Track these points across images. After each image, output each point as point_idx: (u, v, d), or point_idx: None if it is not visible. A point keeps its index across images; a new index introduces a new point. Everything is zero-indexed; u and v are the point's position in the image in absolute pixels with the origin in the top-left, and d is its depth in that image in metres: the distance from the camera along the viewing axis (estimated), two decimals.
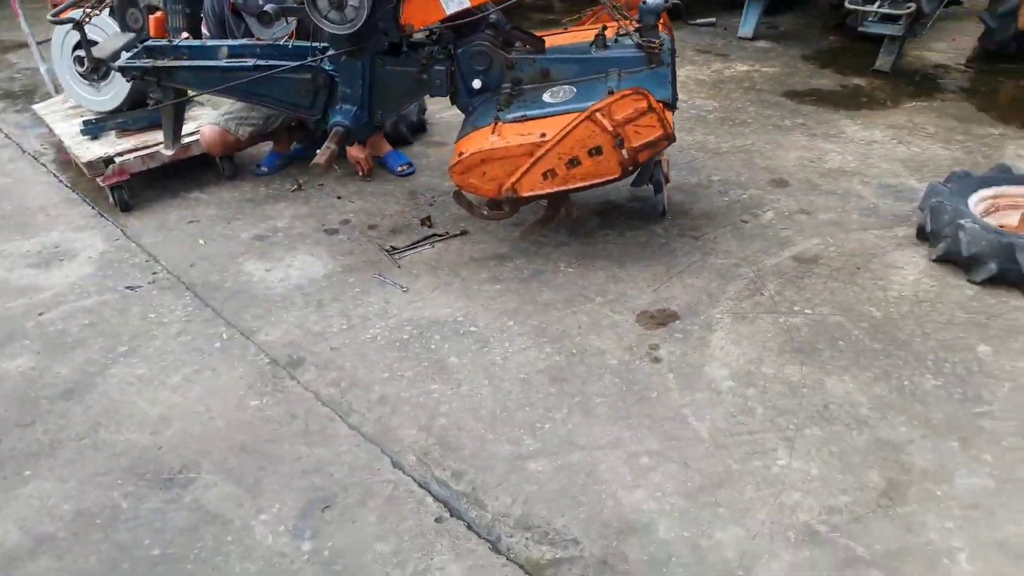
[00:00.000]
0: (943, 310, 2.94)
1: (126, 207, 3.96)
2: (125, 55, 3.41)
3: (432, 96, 3.29)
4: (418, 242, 3.57)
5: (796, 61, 5.83)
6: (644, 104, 2.80)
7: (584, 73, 3.16)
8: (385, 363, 2.81)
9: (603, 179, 2.98)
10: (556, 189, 3.00)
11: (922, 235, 3.34)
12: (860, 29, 5.29)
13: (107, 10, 4.11)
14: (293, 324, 3.04)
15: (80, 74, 4.11)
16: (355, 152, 4.05)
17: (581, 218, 3.60)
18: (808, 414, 2.48)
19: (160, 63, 3.35)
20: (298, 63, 3.24)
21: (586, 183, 2.98)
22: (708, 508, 2.17)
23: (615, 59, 3.14)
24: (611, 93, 2.99)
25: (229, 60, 3.31)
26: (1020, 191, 3.33)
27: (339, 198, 4.02)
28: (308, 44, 3.39)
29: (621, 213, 3.72)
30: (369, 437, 2.48)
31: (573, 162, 2.92)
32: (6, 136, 4.92)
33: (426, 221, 3.72)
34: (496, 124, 3.05)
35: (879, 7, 5.13)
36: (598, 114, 2.82)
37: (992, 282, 3.03)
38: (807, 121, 4.72)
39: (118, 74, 4.06)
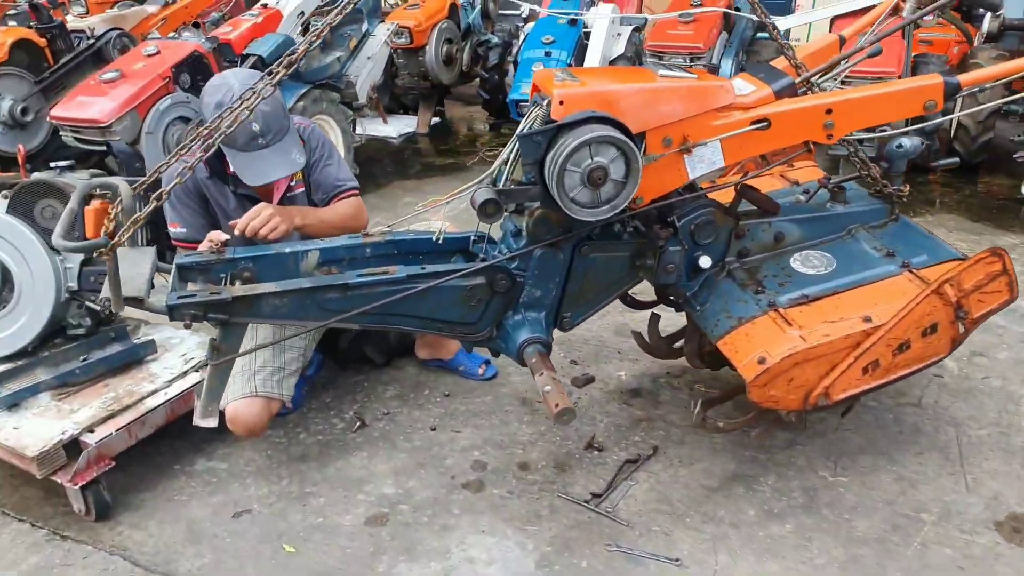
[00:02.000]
0: None
1: (104, 512, 2.44)
2: (154, 286, 2.07)
3: (658, 283, 2.40)
4: (615, 480, 2.57)
5: None
6: (999, 267, 2.21)
7: (819, 233, 2.51)
8: None
9: (927, 363, 2.30)
10: (874, 384, 2.26)
11: None
12: None
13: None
14: None
15: None
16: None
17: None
18: None
19: (237, 294, 2.05)
20: (477, 266, 2.18)
21: (907, 371, 2.28)
22: None
23: (856, 214, 2.54)
24: (891, 256, 2.39)
25: (362, 275, 2.12)
26: None
27: (433, 430, 2.84)
28: (464, 235, 2.33)
29: None
30: None
31: (903, 347, 2.22)
32: None
33: (592, 443, 2.73)
34: (776, 312, 2.26)
35: None
36: (947, 285, 2.17)
37: None
38: None
39: (21, 297, 2.65)
